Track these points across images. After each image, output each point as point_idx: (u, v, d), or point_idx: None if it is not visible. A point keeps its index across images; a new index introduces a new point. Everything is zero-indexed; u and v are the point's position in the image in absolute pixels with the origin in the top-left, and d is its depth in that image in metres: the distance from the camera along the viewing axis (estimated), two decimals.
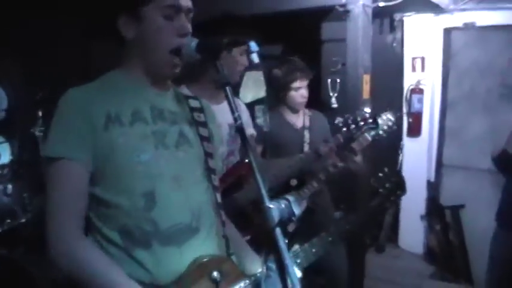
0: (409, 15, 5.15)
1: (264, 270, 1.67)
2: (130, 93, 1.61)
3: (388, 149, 5.12)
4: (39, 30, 4.45)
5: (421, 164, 5.30)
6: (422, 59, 5.18)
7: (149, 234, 1.54)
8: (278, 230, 1.27)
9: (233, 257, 1.77)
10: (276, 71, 3.44)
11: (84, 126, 1.50)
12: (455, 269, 5.10)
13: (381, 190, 2.81)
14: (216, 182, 1.77)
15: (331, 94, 4.59)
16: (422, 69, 5.19)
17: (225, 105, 2.61)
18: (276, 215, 1.27)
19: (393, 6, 4.60)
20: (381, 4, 4.49)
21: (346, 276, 3.61)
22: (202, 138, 1.74)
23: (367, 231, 5.00)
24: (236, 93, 2.67)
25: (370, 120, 2.94)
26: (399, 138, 5.29)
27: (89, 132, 1.50)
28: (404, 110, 5.27)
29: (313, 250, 2.26)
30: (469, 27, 4.90)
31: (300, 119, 3.54)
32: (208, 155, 1.74)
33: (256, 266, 1.81)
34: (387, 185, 2.84)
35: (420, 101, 5.19)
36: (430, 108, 5.25)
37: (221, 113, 2.21)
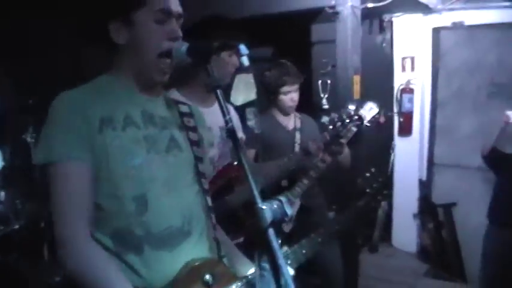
0: (398, 16, 5.17)
1: (257, 271, 1.68)
2: (121, 98, 1.61)
3: (379, 149, 5.15)
4: (30, 35, 4.44)
5: (413, 163, 5.32)
6: (412, 58, 5.20)
7: (141, 239, 1.54)
8: (271, 231, 1.28)
9: (225, 260, 1.78)
10: (267, 75, 3.46)
11: (83, 126, 1.50)
12: (448, 267, 5.13)
13: (368, 190, 2.84)
14: (206, 186, 1.78)
15: (322, 95, 4.60)
16: (412, 69, 5.21)
17: (215, 108, 2.62)
18: (268, 216, 1.28)
19: (382, 7, 4.62)
20: (370, 5, 4.52)
21: (341, 275, 3.63)
22: (192, 143, 1.75)
23: (360, 231, 5.01)
24: (227, 95, 2.68)
25: (356, 117, 2.98)
26: (390, 138, 5.31)
27: (87, 133, 1.50)
28: (395, 109, 5.29)
29: (303, 251, 2.27)
30: (457, 26, 4.93)
31: (291, 121, 3.56)
32: (198, 159, 1.75)
33: (247, 268, 1.83)
34: (374, 185, 2.88)
35: (410, 100, 5.21)
36: (421, 108, 5.27)
37: (211, 116, 2.21)
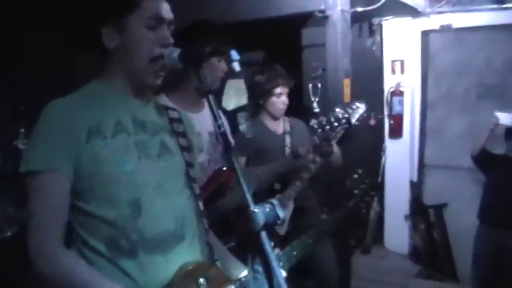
0: (387, 19, 5.21)
1: (251, 273, 1.70)
2: (112, 104, 1.62)
3: (370, 151, 5.18)
4: (21, 42, 4.43)
5: (404, 165, 5.35)
6: (402, 61, 5.24)
7: (135, 243, 1.55)
8: (264, 233, 1.30)
9: (218, 264, 1.79)
10: (258, 77, 3.48)
11: (65, 138, 1.50)
12: (440, 267, 5.17)
13: (356, 191, 2.88)
14: (198, 191, 1.78)
15: (312, 99, 4.61)
16: (402, 71, 5.25)
17: (204, 113, 2.65)
18: (261, 219, 1.30)
19: (371, 11, 4.65)
20: (359, 9, 4.55)
21: (336, 276, 3.65)
22: (182, 148, 1.76)
23: (353, 233, 5.04)
24: (218, 100, 2.70)
25: (344, 120, 3.00)
26: (381, 140, 5.34)
27: (70, 145, 1.50)
28: (386, 112, 5.32)
29: (294, 253, 2.29)
30: (445, 29, 4.98)
31: (280, 125, 3.58)
32: (188, 164, 1.76)
33: (240, 271, 1.84)
34: (362, 186, 2.91)
35: (401, 103, 5.25)
36: (411, 110, 5.31)
37: (200, 121, 2.22)
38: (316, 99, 4.60)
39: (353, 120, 3.20)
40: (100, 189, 1.53)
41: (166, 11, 1.63)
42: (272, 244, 1.33)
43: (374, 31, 5.31)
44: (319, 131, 3.01)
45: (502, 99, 4.99)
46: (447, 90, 5.36)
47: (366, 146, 4.99)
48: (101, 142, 1.54)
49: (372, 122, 5.20)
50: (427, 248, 5.28)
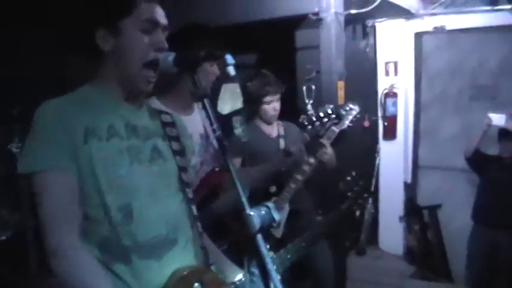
0: (381, 21, 5.21)
1: (247, 276, 1.71)
2: (104, 108, 1.61)
3: (365, 153, 5.19)
4: (14, 44, 4.42)
5: (398, 166, 5.35)
6: (395, 63, 5.24)
7: (128, 248, 1.55)
8: (259, 236, 1.31)
9: (212, 267, 1.79)
10: (248, 85, 3.48)
11: (67, 136, 1.50)
12: (434, 268, 5.18)
13: (349, 194, 2.89)
14: (191, 195, 1.79)
15: (306, 101, 4.62)
16: (396, 73, 5.25)
17: (195, 115, 2.66)
18: (257, 222, 1.31)
19: (365, 13, 4.66)
20: (353, 11, 4.57)
21: (333, 277, 3.66)
22: (175, 153, 1.76)
23: (347, 234, 5.05)
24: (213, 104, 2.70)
25: (333, 116, 3.02)
26: (375, 141, 5.35)
27: (70, 143, 1.50)
28: (380, 113, 5.32)
29: (288, 256, 2.30)
30: (439, 31, 5.00)
31: (274, 129, 3.60)
32: (181, 168, 1.76)
33: (235, 274, 1.85)
34: (355, 188, 2.93)
35: (394, 104, 5.25)
36: (405, 111, 5.31)
37: (192, 124, 2.22)
38: (311, 102, 4.61)
39: (346, 122, 3.24)
40: (93, 192, 1.53)
41: (161, 16, 1.64)
42: (268, 247, 1.34)
43: (367, 33, 5.31)
44: (309, 127, 3.03)
45: (495, 101, 5.02)
46: (440, 92, 5.38)
47: (360, 147, 5.00)
48: (97, 143, 1.54)
49: (366, 123, 5.20)
50: (422, 248, 5.30)
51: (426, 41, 5.37)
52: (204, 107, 1.45)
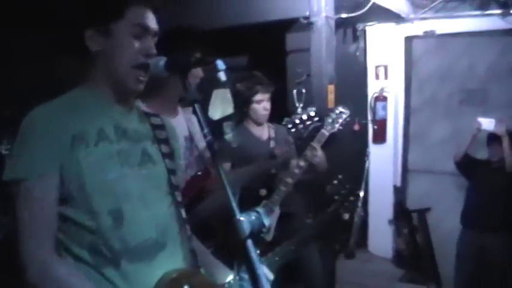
0: (371, 25, 5.24)
1: (237, 279, 1.71)
2: (94, 112, 1.61)
3: (354, 156, 5.20)
4: (5, 45, 4.39)
5: (387, 170, 5.38)
6: (385, 67, 5.27)
7: (118, 252, 1.54)
8: (249, 241, 1.31)
9: (202, 270, 1.79)
10: (238, 86, 3.49)
11: (50, 145, 1.49)
12: (423, 271, 5.20)
13: (336, 197, 2.91)
14: (180, 198, 1.78)
15: (297, 105, 4.63)
16: (386, 77, 5.28)
17: (179, 118, 2.66)
18: (247, 227, 1.31)
19: (355, 17, 4.69)
20: (344, 15, 4.58)
21: (322, 279, 3.67)
22: (164, 156, 1.75)
23: (337, 237, 5.06)
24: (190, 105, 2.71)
25: (316, 118, 3.04)
26: (365, 145, 5.37)
27: (55, 152, 1.49)
28: (369, 117, 5.35)
29: (276, 259, 2.30)
30: (429, 35, 5.03)
31: (265, 131, 3.60)
32: (170, 171, 1.75)
33: (225, 276, 1.85)
34: (342, 192, 2.94)
35: (384, 108, 5.28)
36: (394, 115, 5.35)
37: (176, 126, 2.22)
38: (301, 105, 4.62)
39: (337, 125, 3.26)
40: (82, 198, 1.52)
41: (152, 21, 1.63)
42: (258, 252, 1.34)
43: (358, 37, 5.33)
44: (293, 130, 3.05)
45: (485, 105, 5.06)
46: (430, 96, 5.41)
47: (349, 151, 5.01)
48: (85, 150, 1.53)
49: (356, 127, 5.23)
50: (411, 252, 5.32)
51: (416, 45, 5.41)
52: (195, 112, 1.45)
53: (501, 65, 4.96)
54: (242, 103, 3.53)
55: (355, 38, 5.35)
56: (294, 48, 4.64)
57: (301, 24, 4.26)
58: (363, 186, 5.14)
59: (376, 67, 5.31)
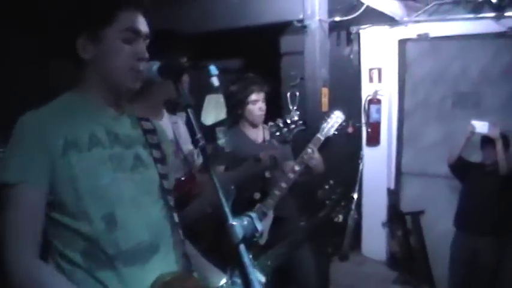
0: (365, 28, 5.25)
1: (229, 283, 1.71)
2: (86, 117, 1.60)
3: (348, 159, 5.21)
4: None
5: (381, 172, 5.40)
6: (379, 70, 5.29)
7: (112, 256, 1.55)
8: (242, 246, 1.31)
9: (195, 274, 1.79)
10: (232, 87, 3.49)
11: (40, 151, 1.48)
12: (417, 273, 5.22)
13: (327, 202, 2.92)
14: (172, 202, 1.78)
15: (290, 107, 4.63)
16: (379, 79, 5.30)
17: (164, 121, 2.66)
18: (239, 232, 1.31)
19: (349, 19, 4.70)
20: (337, 19, 4.59)
21: (315, 281, 3.67)
22: (156, 160, 1.75)
23: (330, 240, 5.06)
24: (174, 110, 2.72)
25: (300, 122, 3.05)
26: (359, 147, 5.38)
27: (45, 157, 1.49)
28: (363, 120, 5.36)
29: (268, 263, 2.31)
30: (422, 38, 5.05)
31: (260, 134, 3.59)
32: (162, 176, 1.75)
33: (218, 279, 1.85)
34: (333, 197, 2.95)
35: (378, 111, 5.29)
36: (388, 118, 5.36)
37: None
38: (295, 108, 4.62)
39: (332, 130, 3.28)
40: (74, 202, 1.52)
41: (143, 25, 1.62)
42: (251, 256, 1.34)
43: (352, 40, 5.34)
44: (277, 134, 3.06)
45: (478, 108, 5.08)
46: (424, 99, 5.43)
47: (343, 153, 5.02)
48: (77, 155, 1.52)
49: (350, 129, 5.23)
50: (404, 254, 5.33)
51: (410, 48, 5.42)
52: (187, 117, 1.45)
53: (494, 68, 4.99)
54: (237, 105, 3.52)
55: (349, 41, 5.36)
56: (288, 51, 4.64)
57: (295, 27, 4.26)
58: (356, 188, 5.15)
59: (370, 70, 5.32)
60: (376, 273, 5.05)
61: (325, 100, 4.24)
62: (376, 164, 5.35)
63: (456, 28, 4.86)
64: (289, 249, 2.57)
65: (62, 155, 1.51)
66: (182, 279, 1.69)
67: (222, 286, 1.82)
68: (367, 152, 5.38)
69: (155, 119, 2.50)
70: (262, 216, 3.16)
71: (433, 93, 5.37)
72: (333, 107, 4.11)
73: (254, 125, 3.56)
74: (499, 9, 4.56)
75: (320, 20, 4.14)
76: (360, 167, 5.28)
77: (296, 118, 3.06)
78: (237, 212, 1.37)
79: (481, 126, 4.47)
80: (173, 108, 2.73)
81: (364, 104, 5.34)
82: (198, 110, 4.16)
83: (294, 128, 3.06)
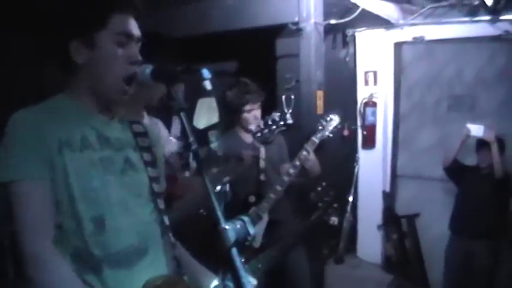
0: (361, 31, 5.26)
1: (221, 287, 1.71)
2: (77, 119, 1.61)
3: (344, 162, 5.22)
4: None
5: (377, 175, 5.39)
6: (375, 72, 5.29)
7: (100, 259, 1.55)
8: (234, 250, 1.31)
9: (185, 277, 1.79)
10: (228, 94, 3.49)
11: (41, 146, 1.49)
12: (412, 276, 5.22)
13: (320, 204, 2.93)
14: (162, 206, 1.79)
15: (286, 110, 4.63)
16: (375, 82, 5.29)
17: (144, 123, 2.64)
18: (232, 236, 1.31)
19: (345, 22, 4.70)
20: (333, 21, 4.59)
21: (311, 286, 3.67)
22: (147, 163, 1.76)
23: (326, 243, 5.06)
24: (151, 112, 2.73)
25: (281, 123, 3.07)
26: (354, 150, 5.38)
27: (45, 153, 1.50)
28: (359, 123, 5.36)
29: (259, 266, 2.30)
30: (418, 41, 5.06)
31: None
32: (153, 179, 1.76)
33: (210, 280, 1.84)
34: (326, 199, 2.96)
35: (374, 113, 5.29)
36: (384, 121, 5.36)
37: None
38: (290, 111, 4.62)
39: (327, 132, 3.30)
40: (66, 201, 1.53)
41: (135, 28, 1.63)
42: (243, 259, 1.34)
43: (347, 42, 5.34)
44: (258, 135, 3.08)
45: (473, 111, 5.08)
46: (419, 101, 5.43)
47: (339, 156, 5.02)
48: (71, 154, 1.54)
49: (345, 132, 5.23)
50: (400, 257, 5.33)
51: (405, 51, 5.43)
52: (181, 120, 1.45)
53: (489, 71, 4.99)
54: (232, 111, 3.53)
55: (345, 44, 5.36)
56: (283, 54, 4.64)
57: (290, 30, 4.26)
58: (352, 191, 5.16)
59: (366, 73, 5.32)
60: (371, 276, 5.04)
61: (320, 103, 4.24)
62: (372, 167, 5.35)
63: (452, 31, 4.87)
64: (280, 252, 2.57)
65: (57, 153, 1.52)
66: (172, 282, 1.69)
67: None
68: (362, 154, 5.38)
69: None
70: (257, 219, 3.17)
71: (428, 96, 5.38)
72: (328, 109, 4.12)
73: (249, 131, 3.56)
74: (494, 12, 4.57)
75: (315, 23, 4.15)
76: (356, 170, 5.30)
77: (277, 119, 3.07)
78: (232, 216, 1.37)
79: (476, 130, 4.48)
80: (167, 110, 2.73)
81: (360, 107, 5.33)
82: (190, 114, 4.16)
83: (275, 128, 3.08)
